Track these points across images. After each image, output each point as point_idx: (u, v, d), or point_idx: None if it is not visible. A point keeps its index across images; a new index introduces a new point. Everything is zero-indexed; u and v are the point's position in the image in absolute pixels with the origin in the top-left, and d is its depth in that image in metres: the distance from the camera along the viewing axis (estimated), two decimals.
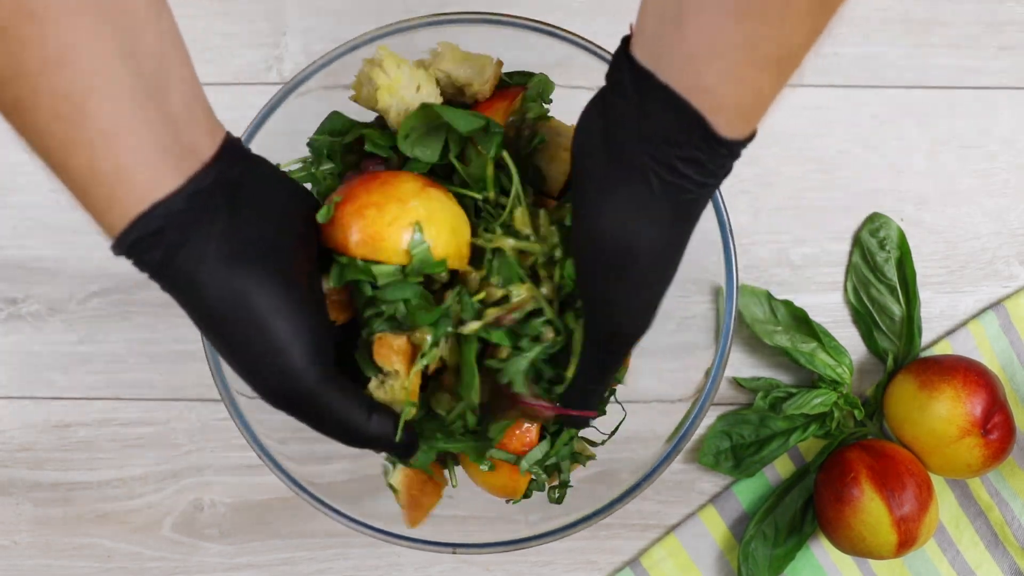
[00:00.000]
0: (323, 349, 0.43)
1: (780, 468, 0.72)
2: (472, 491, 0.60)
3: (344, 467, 0.63)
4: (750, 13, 0.35)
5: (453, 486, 0.59)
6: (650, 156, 0.39)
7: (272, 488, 0.70)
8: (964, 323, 0.72)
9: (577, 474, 0.61)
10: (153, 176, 0.38)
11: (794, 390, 0.69)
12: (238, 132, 0.57)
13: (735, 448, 0.70)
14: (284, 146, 0.57)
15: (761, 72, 0.37)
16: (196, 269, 0.39)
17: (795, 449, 0.72)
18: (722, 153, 0.39)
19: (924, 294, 0.71)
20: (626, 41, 0.40)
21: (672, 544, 0.71)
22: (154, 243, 0.39)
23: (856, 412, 0.70)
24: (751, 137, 0.40)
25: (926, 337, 0.72)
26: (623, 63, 0.40)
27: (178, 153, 0.38)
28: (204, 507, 0.71)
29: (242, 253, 0.40)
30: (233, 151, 0.42)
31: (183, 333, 0.71)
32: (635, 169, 0.39)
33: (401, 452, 0.48)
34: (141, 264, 0.40)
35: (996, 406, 0.65)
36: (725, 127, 0.38)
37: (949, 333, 0.72)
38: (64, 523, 0.71)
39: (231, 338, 0.41)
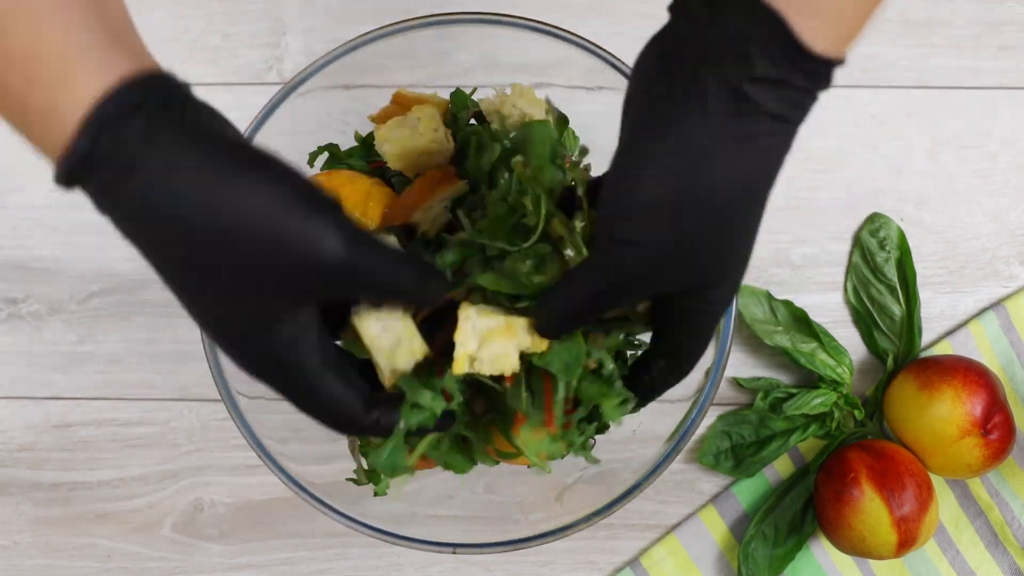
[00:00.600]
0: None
1: (780, 468, 0.72)
2: (472, 491, 0.60)
3: (345, 467, 0.63)
4: None
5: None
6: (716, 76, 0.31)
7: (272, 488, 0.70)
8: (964, 323, 0.72)
9: (577, 474, 0.61)
10: (105, 60, 0.32)
11: (794, 390, 0.69)
12: None
13: (735, 448, 0.70)
14: (284, 146, 0.57)
15: None
16: (176, 153, 0.32)
17: (795, 449, 0.72)
18: (808, 72, 0.31)
19: (924, 294, 0.71)
20: None
21: (672, 544, 0.71)
22: (123, 124, 0.31)
23: (856, 412, 0.70)
24: (840, 62, 0.32)
25: (926, 337, 0.72)
26: None
27: (122, 51, 0.33)
28: (204, 507, 0.71)
29: (220, 136, 0.33)
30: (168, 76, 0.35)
31: (183, 333, 0.71)
32: (693, 98, 0.31)
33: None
34: (97, 168, 0.32)
35: (996, 406, 0.65)
36: (813, 36, 0.30)
37: (949, 333, 0.72)
38: (64, 523, 0.71)
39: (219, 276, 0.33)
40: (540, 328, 0.42)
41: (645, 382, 0.44)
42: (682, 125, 0.32)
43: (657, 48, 0.34)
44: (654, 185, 0.33)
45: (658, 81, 0.33)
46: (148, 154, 0.31)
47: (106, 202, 0.32)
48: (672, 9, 0.34)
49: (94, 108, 0.31)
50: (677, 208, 0.33)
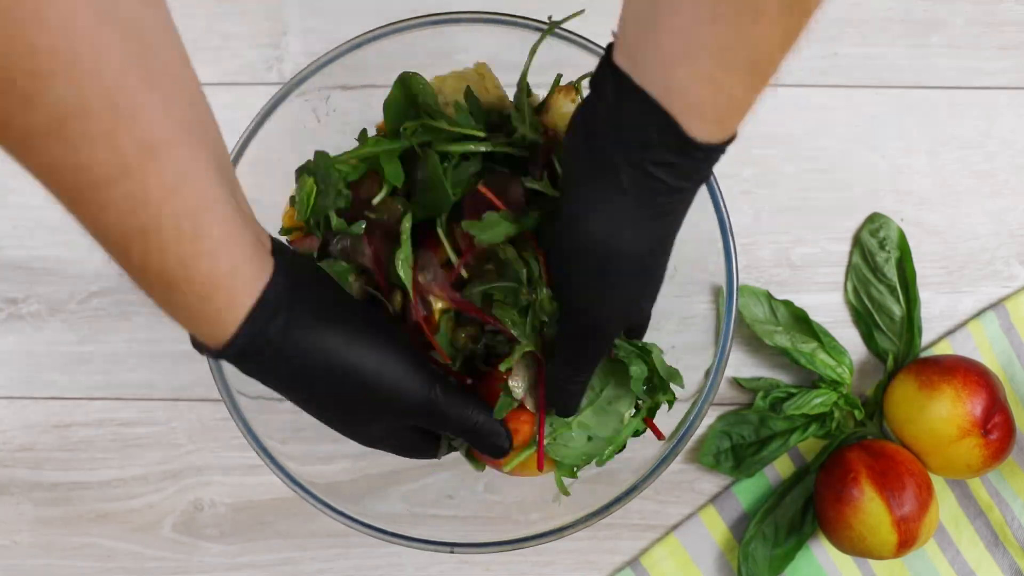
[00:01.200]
0: (431, 373, 0.49)
1: (780, 468, 0.72)
2: (472, 491, 0.60)
3: (345, 467, 0.63)
4: (722, 16, 0.35)
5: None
6: (624, 158, 0.39)
7: (272, 488, 0.70)
8: (964, 323, 0.72)
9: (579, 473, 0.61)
10: (257, 269, 0.41)
11: (794, 390, 0.69)
12: (238, 132, 0.57)
13: (735, 448, 0.70)
14: (284, 146, 0.57)
15: (734, 75, 0.37)
16: (311, 337, 0.44)
17: (795, 449, 0.72)
18: (696, 157, 0.39)
19: (924, 294, 0.71)
20: (610, 47, 0.41)
21: (672, 544, 0.71)
22: (271, 321, 0.42)
23: (856, 412, 0.70)
24: (729, 141, 0.40)
25: (926, 337, 0.72)
26: (605, 67, 0.40)
27: (261, 247, 0.42)
28: (204, 507, 0.71)
29: (341, 315, 0.45)
30: (275, 239, 0.45)
31: (183, 333, 0.70)
32: (610, 171, 0.40)
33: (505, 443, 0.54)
34: (254, 349, 0.42)
35: (996, 406, 0.65)
36: (699, 130, 0.38)
37: (949, 333, 0.72)
38: (64, 523, 0.71)
39: (354, 394, 0.46)
40: (561, 414, 0.53)
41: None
42: (604, 201, 0.41)
43: (581, 123, 0.42)
44: (589, 247, 0.43)
45: (583, 156, 0.42)
46: (291, 339, 0.43)
47: (254, 370, 0.44)
48: (592, 84, 0.42)
49: (253, 311, 0.41)
50: (605, 265, 0.43)
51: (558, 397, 0.52)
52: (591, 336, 0.48)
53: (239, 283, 0.40)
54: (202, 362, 0.68)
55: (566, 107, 0.56)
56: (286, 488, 0.61)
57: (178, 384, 0.71)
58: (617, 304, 0.45)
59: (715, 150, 0.39)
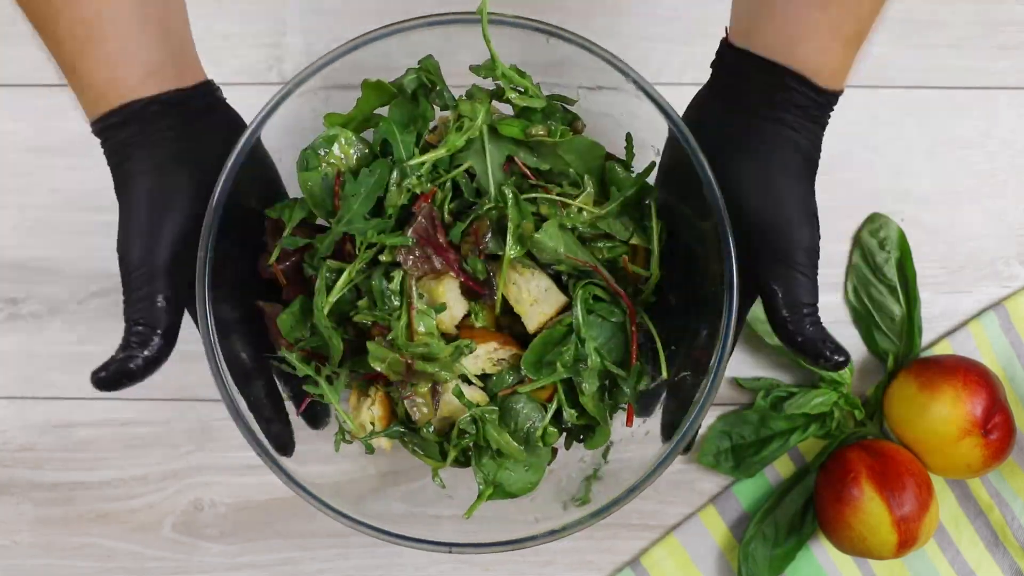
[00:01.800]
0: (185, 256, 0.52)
1: (780, 468, 0.72)
2: (472, 490, 0.60)
3: (345, 468, 0.63)
4: (831, 2, 0.45)
5: None
6: (767, 106, 0.47)
7: (272, 488, 0.70)
8: (964, 323, 0.72)
9: (578, 474, 0.61)
10: (138, 84, 0.49)
11: (795, 390, 0.69)
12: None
13: (735, 448, 0.70)
14: (286, 145, 0.57)
15: (843, 45, 0.47)
16: (135, 162, 0.50)
17: (795, 449, 0.72)
18: (824, 102, 0.48)
19: (924, 294, 0.71)
20: (724, 39, 0.51)
21: (672, 544, 0.71)
22: (119, 131, 0.50)
23: (856, 412, 0.70)
24: (840, 92, 0.49)
25: (926, 337, 0.72)
26: (726, 51, 0.50)
27: (163, 72, 0.50)
28: (204, 507, 0.71)
29: (173, 167, 0.50)
30: (207, 91, 0.53)
31: (184, 334, 0.70)
32: (755, 127, 0.48)
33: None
34: (104, 141, 0.51)
35: (996, 406, 0.65)
36: (824, 82, 0.47)
37: (949, 333, 0.72)
38: (64, 523, 0.71)
39: (135, 214, 0.50)
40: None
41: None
42: (765, 155, 0.48)
43: (717, 97, 0.51)
44: (761, 196, 0.49)
45: (729, 122, 0.49)
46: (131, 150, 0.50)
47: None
48: (715, 67, 0.51)
49: (128, 104, 0.49)
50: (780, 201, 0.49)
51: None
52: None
53: (109, 95, 0.49)
54: (202, 362, 0.68)
55: None
56: (286, 488, 0.60)
57: (178, 384, 0.71)
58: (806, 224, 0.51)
59: (835, 96, 0.49)
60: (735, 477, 0.71)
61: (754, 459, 0.70)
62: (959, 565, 0.71)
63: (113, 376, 0.50)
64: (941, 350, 0.71)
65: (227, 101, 0.56)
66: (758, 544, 0.69)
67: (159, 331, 0.51)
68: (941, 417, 0.65)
